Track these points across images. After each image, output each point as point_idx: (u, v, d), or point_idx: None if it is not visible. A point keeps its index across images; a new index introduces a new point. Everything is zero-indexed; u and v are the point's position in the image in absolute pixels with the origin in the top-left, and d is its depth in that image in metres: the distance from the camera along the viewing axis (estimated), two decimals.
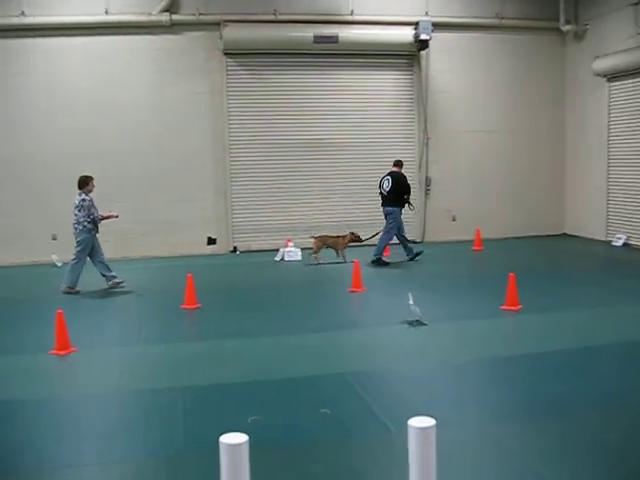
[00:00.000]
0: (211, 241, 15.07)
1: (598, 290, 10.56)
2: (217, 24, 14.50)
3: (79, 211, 10.71)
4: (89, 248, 10.80)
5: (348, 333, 8.16)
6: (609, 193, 15.48)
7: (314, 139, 15.41)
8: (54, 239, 14.02)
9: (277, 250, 14.18)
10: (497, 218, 16.31)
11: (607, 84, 15.33)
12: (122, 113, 14.35)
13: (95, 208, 10.80)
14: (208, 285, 11.03)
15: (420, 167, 15.99)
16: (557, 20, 16.19)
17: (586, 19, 16.01)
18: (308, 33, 14.70)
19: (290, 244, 14.16)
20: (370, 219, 15.55)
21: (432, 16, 15.40)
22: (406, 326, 8.22)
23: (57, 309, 7.51)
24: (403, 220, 13.42)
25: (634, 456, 4.60)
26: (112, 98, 14.28)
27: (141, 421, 5.52)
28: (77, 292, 10.81)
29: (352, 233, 13.38)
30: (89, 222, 10.70)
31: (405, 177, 13.31)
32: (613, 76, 15.06)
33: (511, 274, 9.02)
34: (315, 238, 13.20)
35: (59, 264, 13.48)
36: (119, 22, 14.09)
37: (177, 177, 14.67)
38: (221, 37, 14.48)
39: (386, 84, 15.82)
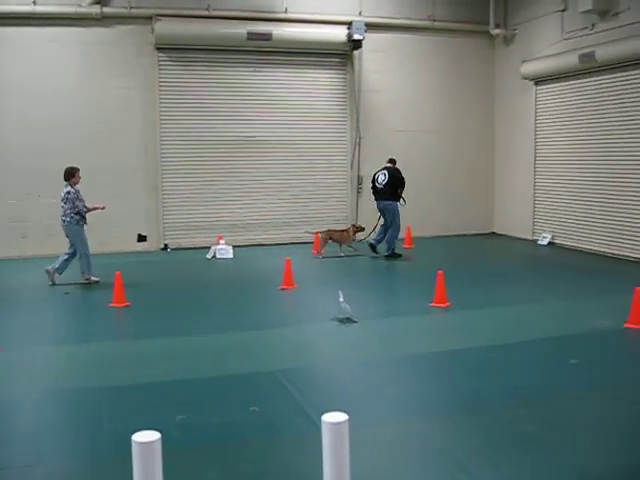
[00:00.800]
0: (141, 238, 14.84)
1: (524, 287, 10.86)
2: (149, 18, 14.28)
3: (65, 203, 10.80)
4: (84, 237, 10.92)
5: (279, 331, 8.16)
6: (535, 193, 15.92)
7: (247, 136, 15.35)
8: None
9: (209, 247, 14.08)
10: (428, 217, 16.56)
11: (534, 87, 15.76)
12: (51, 107, 13.97)
13: (80, 200, 10.86)
14: (138, 283, 10.89)
15: (352, 166, 16.11)
16: (487, 24, 16.57)
17: (515, 24, 16.42)
18: (242, 30, 14.62)
19: (222, 241, 14.08)
20: (303, 216, 15.64)
21: (365, 16, 15.54)
22: (336, 323, 8.29)
23: None
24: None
25: (550, 447, 4.75)
26: (41, 91, 13.89)
27: (68, 422, 5.42)
28: (97, 281, 10.95)
29: (354, 225, 14.24)
30: (75, 214, 10.76)
31: (400, 172, 13.79)
32: (540, 80, 15.48)
33: (440, 272, 9.19)
34: (321, 233, 13.67)
35: None
36: (47, 13, 13.70)
37: (107, 173, 14.33)
38: (153, 31, 14.26)
39: (319, 83, 15.88)
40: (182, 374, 6.52)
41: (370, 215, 16.16)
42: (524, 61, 15.69)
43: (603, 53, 13.09)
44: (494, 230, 17.46)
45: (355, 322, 8.27)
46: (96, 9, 13.91)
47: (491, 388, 6.08)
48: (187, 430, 5.13)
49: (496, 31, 16.56)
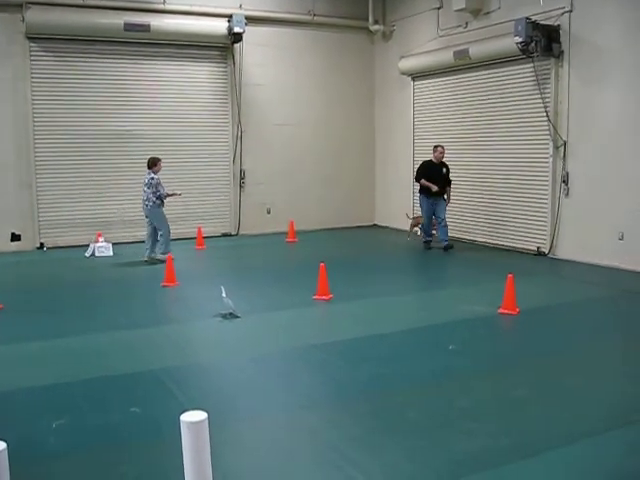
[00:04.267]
0: (15, 237, 14.19)
1: (403, 277, 11.16)
2: (19, 5, 13.59)
3: (148, 188, 12.08)
4: (165, 217, 12.32)
5: (160, 329, 8.02)
6: (414, 185, 16.30)
7: (126, 130, 14.95)
8: None
9: (87, 245, 13.64)
10: (310, 210, 16.73)
11: (412, 82, 16.17)
12: None
13: (162, 186, 12.20)
14: (11, 284, 10.46)
15: (234, 160, 16.02)
16: (367, 20, 16.88)
17: (393, 20, 16.81)
18: (118, 20, 14.19)
19: (101, 239, 13.68)
20: (185, 211, 15.40)
21: (246, 9, 15.46)
22: (219, 319, 8.23)
23: None
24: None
25: (430, 433, 4.91)
26: None
27: None
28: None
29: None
30: (157, 198, 12.06)
31: (421, 165, 14.00)
32: (417, 75, 15.91)
33: (322, 265, 9.30)
34: (412, 218, 15.15)
35: None
36: None
37: None
38: (23, 20, 13.62)
39: (200, 76, 15.67)
40: (59, 377, 6.28)
41: (251, 210, 16.20)
42: (402, 57, 16.09)
43: (476, 50, 13.60)
44: (376, 222, 17.83)
45: (238, 317, 8.25)
46: None
47: (373, 377, 6.21)
48: (64, 435, 4.96)
49: (375, 27, 16.92)
